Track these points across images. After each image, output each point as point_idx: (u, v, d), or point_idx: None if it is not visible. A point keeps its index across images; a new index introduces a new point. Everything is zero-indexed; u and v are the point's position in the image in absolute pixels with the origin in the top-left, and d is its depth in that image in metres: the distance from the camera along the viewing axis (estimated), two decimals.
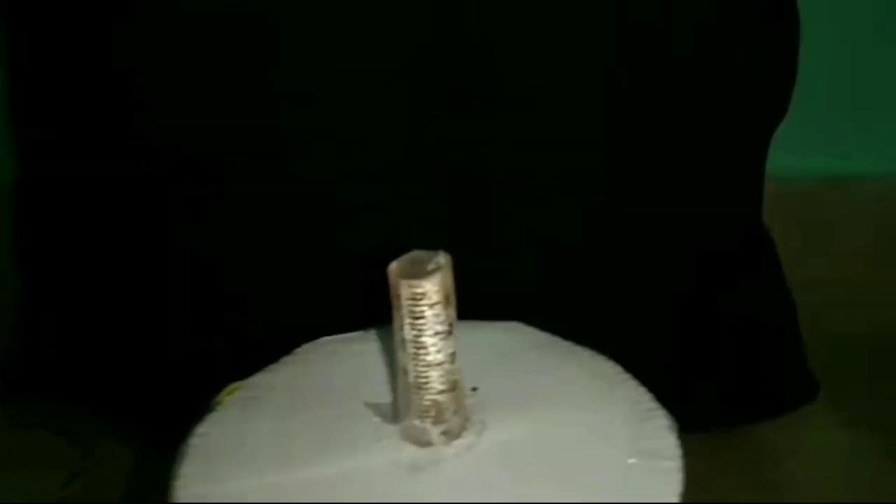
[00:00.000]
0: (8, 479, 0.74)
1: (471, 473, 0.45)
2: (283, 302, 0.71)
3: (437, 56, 0.66)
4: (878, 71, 0.86)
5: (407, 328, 0.44)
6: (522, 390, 0.50)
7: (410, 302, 0.43)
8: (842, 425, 0.77)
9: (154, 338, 0.74)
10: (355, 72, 0.66)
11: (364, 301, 0.51)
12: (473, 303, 0.48)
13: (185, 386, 0.58)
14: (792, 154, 0.84)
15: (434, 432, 0.45)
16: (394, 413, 0.48)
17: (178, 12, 0.66)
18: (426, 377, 0.45)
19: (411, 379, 0.45)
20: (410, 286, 0.43)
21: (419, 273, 0.43)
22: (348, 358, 0.54)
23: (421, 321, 0.44)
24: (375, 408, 0.48)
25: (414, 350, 0.44)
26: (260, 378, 0.52)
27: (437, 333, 0.44)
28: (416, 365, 0.45)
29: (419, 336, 0.44)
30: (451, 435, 0.46)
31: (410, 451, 0.46)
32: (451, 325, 0.44)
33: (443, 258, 0.44)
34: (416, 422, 0.46)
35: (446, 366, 0.45)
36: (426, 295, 0.43)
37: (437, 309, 0.43)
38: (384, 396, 0.49)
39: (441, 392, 0.45)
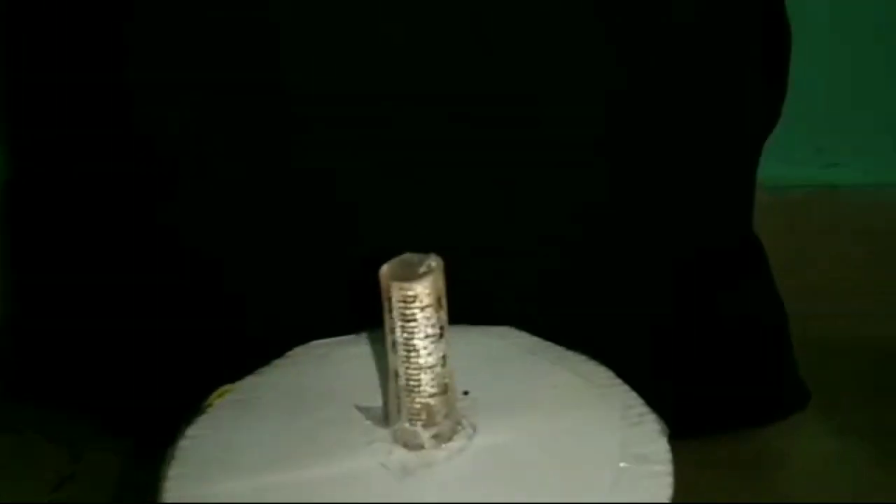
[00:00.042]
0: None
1: (461, 477, 0.45)
2: (276, 304, 0.71)
3: (435, 57, 0.66)
4: (870, 81, 0.87)
5: (398, 331, 0.44)
6: (513, 394, 0.50)
7: (401, 304, 0.43)
8: (832, 434, 0.77)
9: (144, 341, 0.74)
10: (354, 70, 0.66)
11: (356, 303, 0.51)
12: (466, 307, 0.48)
13: (175, 389, 0.58)
14: (783, 163, 0.85)
15: (425, 436, 0.45)
16: (385, 416, 0.48)
17: (177, 11, 0.66)
18: (417, 380, 0.45)
19: (402, 382, 0.45)
20: (401, 289, 0.43)
21: (410, 276, 0.43)
22: (340, 361, 0.54)
23: (412, 324, 0.44)
24: (366, 411, 0.48)
25: (405, 353, 0.44)
26: (250, 381, 0.52)
27: (428, 336, 0.44)
28: (408, 368, 0.45)
29: (410, 339, 0.44)
30: (441, 438, 0.46)
31: (401, 455, 0.46)
32: (442, 328, 0.44)
33: (434, 261, 0.44)
34: (407, 425, 0.46)
35: (437, 369, 0.45)
36: (417, 298, 0.43)
37: (429, 312, 0.44)
38: (375, 399, 0.49)
39: (432, 395, 0.45)
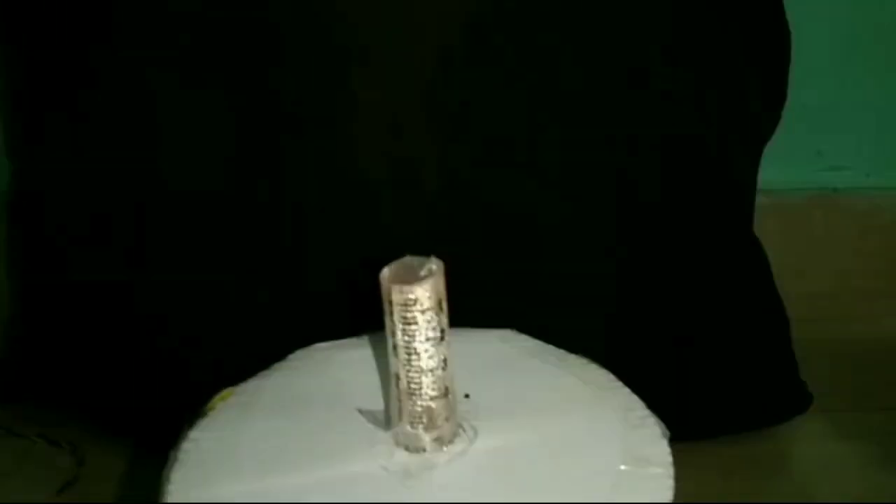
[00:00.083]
0: (1, 486, 0.74)
1: (463, 480, 0.45)
2: (277, 307, 0.71)
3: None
4: (870, 84, 0.87)
5: (399, 334, 0.44)
6: (514, 397, 0.50)
7: (402, 308, 0.43)
8: (833, 436, 0.77)
9: (147, 344, 0.74)
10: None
11: (357, 306, 0.51)
12: (466, 310, 0.48)
13: (178, 392, 0.58)
14: (783, 167, 0.85)
15: (426, 438, 0.46)
16: (386, 419, 0.48)
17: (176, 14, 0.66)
18: (418, 383, 0.45)
19: (403, 385, 0.45)
20: (402, 292, 0.43)
21: (411, 279, 0.43)
22: (341, 364, 0.54)
23: (413, 327, 0.44)
24: (368, 414, 0.49)
25: (406, 356, 0.44)
26: (252, 384, 0.52)
27: (428, 339, 0.44)
28: (409, 371, 0.45)
29: (411, 342, 0.44)
30: (443, 441, 0.46)
31: (403, 457, 0.46)
32: (443, 331, 0.44)
33: (435, 264, 0.44)
34: (409, 428, 0.46)
35: (438, 372, 0.45)
36: (418, 301, 0.43)
37: (429, 315, 0.44)
38: (377, 402, 0.49)
39: (433, 398, 0.45)
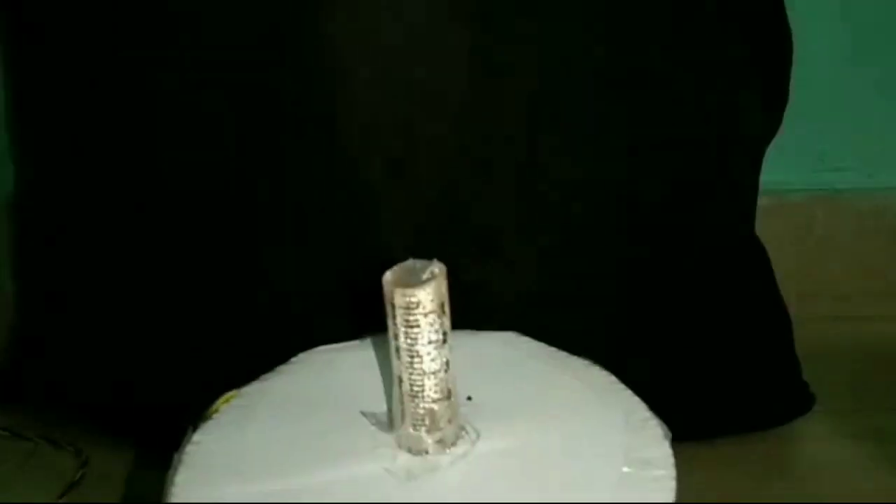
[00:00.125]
0: (5, 489, 0.74)
1: (465, 482, 0.45)
2: (279, 310, 0.71)
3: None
4: (871, 85, 0.87)
5: (401, 337, 0.44)
6: (517, 399, 0.50)
7: (405, 311, 0.44)
8: (836, 438, 0.77)
9: (149, 346, 0.74)
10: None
11: (359, 308, 0.51)
12: (469, 312, 0.48)
13: (180, 394, 0.58)
14: (785, 168, 0.85)
15: (429, 441, 0.46)
16: (389, 421, 0.48)
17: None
18: (421, 386, 0.45)
19: (406, 387, 0.45)
20: (405, 295, 0.43)
21: (413, 282, 0.44)
22: (344, 366, 0.54)
23: (415, 330, 0.44)
24: (371, 416, 0.49)
25: (408, 359, 0.45)
26: (255, 386, 0.52)
27: (431, 342, 0.44)
28: (411, 374, 0.45)
29: (413, 345, 0.44)
30: (445, 443, 0.46)
31: (405, 460, 0.46)
32: (445, 333, 0.45)
33: (437, 267, 0.44)
34: (411, 430, 0.46)
35: (441, 374, 0.45)
36: (420, 304, 0.43)
37: (432, 318, 0.44)
38: (380, 405, 0.50)
39: (436, 401, 0.45)
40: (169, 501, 0.45)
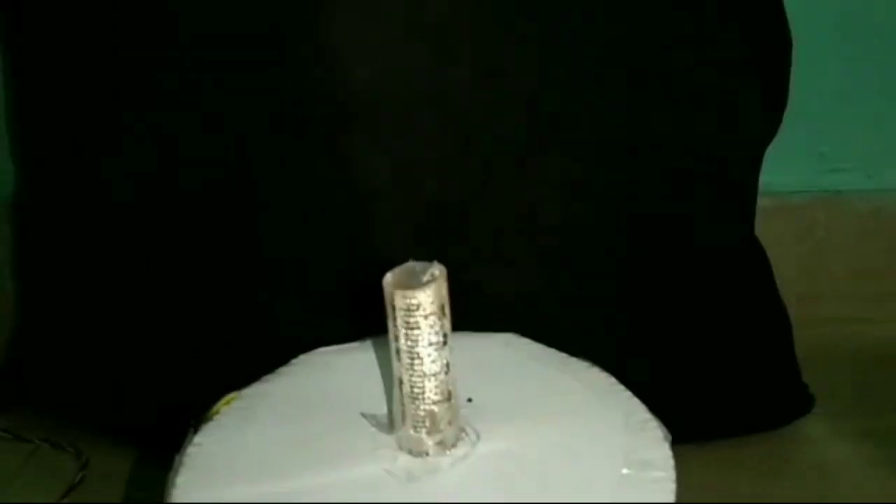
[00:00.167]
0: (6, 491, 0.74)
1: (466, 483, 0.45)
2: (279, 311, 0.71)
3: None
4: (872, 86, 0.87)
5: (402, 339, 0.44)
6: (517, 401, 0.50)
7: (405, 313, 0.44)
8: (836, 439, 0.77)
9: (150, 348, 0.74)
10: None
11: (359, 310, 0.52)
12: (469, 313, 0.49)
13: (182, 396, 0.58)
14: (785, 169, 0.85)
15: (429, 442, 0.46)
16: (390, 423, 0.48)
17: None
18: (421, 388, 0.45)
19: (406, 389, 0.45)
20: (405, 297, 0.43)
21: (414, 284, 0.44)
22: (344, 368, 0.54)
23: (416, 332, 0.44)
24: (371, 418, 0.49)
25: (409, 360, 0.45)
26: (256, 388, 0.53)
27: (431, 344, 0.44)
28: (411, 375, 0.45)
29: (414, 347, 0.44)
30: (446, 445, 0.46)
31: (406, 461, 0.46)
32: (445, 335, 0.45)
33: (437, 269, 0.44)
34: (412, 432, 0.46)
35: (441, 376, 0.45)
36: (421, 306, 0.43)
37: (432, 320, 0.44)
38: (380, 406, 0.50)
39: (436, 402, 0.45)
40: (170, 503, 0.45)
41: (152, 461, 0.73)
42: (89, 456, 0.76)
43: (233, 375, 0.53)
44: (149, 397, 0.74)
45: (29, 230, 0.83)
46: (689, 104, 0.70)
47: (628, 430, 0.48)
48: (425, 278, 0.44)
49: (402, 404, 0.46)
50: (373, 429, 0.48)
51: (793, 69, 0.73)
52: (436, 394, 0.45)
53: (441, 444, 0.46)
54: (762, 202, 0.77)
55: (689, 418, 0.59)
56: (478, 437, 0.47)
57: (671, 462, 0.46)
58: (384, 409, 0.49)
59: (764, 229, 0.77)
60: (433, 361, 0.45)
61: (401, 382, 0.45)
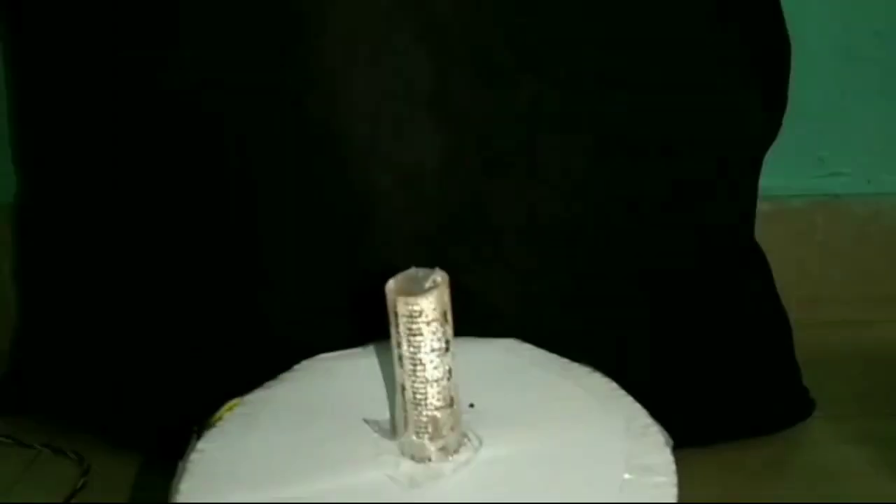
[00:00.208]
0: (7, 496, 0.74)
1: (468, 488, 0.45)
2: (281, 317, 0.71)
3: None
4: (870, 91, 0.87)
5: (404, 345, 0.45)
6: (519, 407, 0.50)
7: (407, 319, 0.44)
8: (836, 442, 0.77)
9: (153, 355, 0.74)
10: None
11: (361, 316, 0.52)
12: (469, 314, 0.49)
13: (184, 401, 0.58)
14: (784, 173, 0.85)
15: (432, 448, 0.46)
16: (392, 429, 0.48)
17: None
18: (423, 393, 0.45)
19: (409, 395, 0.45)
20: (407, 304, 0.44)
21: (416, 290, 0.44)
22: (347, 374, 0.54)
23: (418, 338, 0.44)
24: (374, 423, 0.49)
25: (411, 367, 0.45)
26: (259, 394, 0.53)
27: (433, 350, 0.44)
28: (414, 381, 0.45)
29: (416, 353, 0.44)
30: (448, 451, 0.46)
31: (409, 467, 0.46)
32: (447, 341, 0.45)
33: (439, 276, 0.44)
34: (414, 438, 0.46)
35: (443, 382, 0.45)
36: (423, 312, 0.44)
37: (434, 326, 0.44)
38: (382, 412, 0.50)
39: (438, 408, 0.45)
40: None
41: (155, 467, 0.73)
42: (91, 461, 0.76)
43: (235, 381, 0.53)
44: (150, 402, 0.74)
45: (29, 233, 0.83)
46: (689, 104, 0.70)
47: (630, 436, 0.48)
48: (427, 285, 0.44)
49: (405, 410, 0.46)
50: (375, 435, 0.48)
51: (793, 74, 0.73)
52: (438, 400, 0.45)
53: (443, 450, 0.46)
54: (762, 206, 0.77)
55: (690, 422, 0.59)
56: (480, 442, 0.47)
57: (672, 467, 0.46)
58: (386, 415, 0.49)
59: (764, 233, 0.77)
60: (435, 367, 0.45)
61: (403, 388, 0.45)
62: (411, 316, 0.44)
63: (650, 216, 0.71)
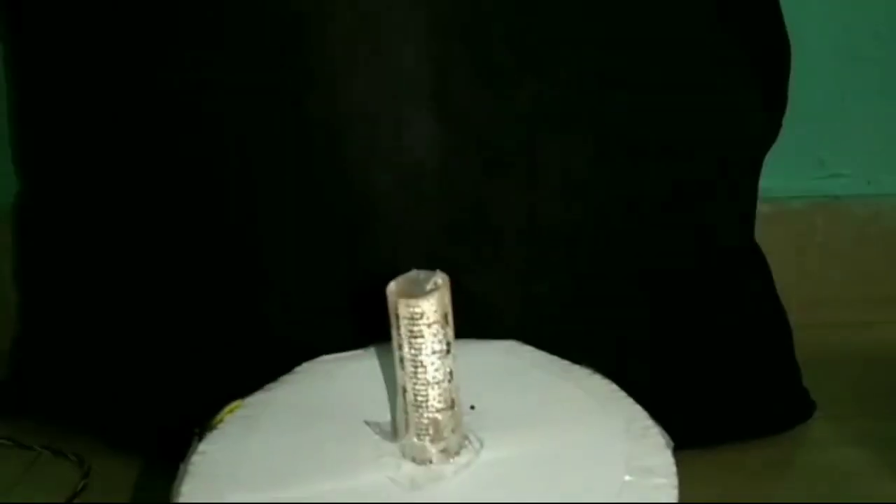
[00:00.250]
0: (8, 498, 0.74)
1: (469, 491, 0.45)
2: (282, 318, 0.71)
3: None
4: (871, 92, 0.87)
5: (405, 347, 0.45)
6: (519, 408, 0.50)
7: (409, 321, 0.44)
8: (837, 444, 0.77)
9: (153, 357, 0.74)
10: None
11: (362, 318, 0.52)
12: (469, 314, 0.49)
13: (184, 403, 0.58)
14: (784, 175, 0.85)
15: (433, 450, 0.46)
16: (393, 431, 0.48)
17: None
18: (424, 396, 0.45)
19: (410, 397, 0.45)
20: (409, 305, 0.44)
21: (417, 292, 0.44)
22: (347, 376, 0.54)
23: (419, 340, 0.44)
24: (375, 426, 0.49)
25: (412, 369, 0.45)
26: (260, 396, 0.53)
27: (434, 352, 0.44)
28: (415, 383, 0.45)
29: (417, 355, 0.44)
30: (449, 453, 0.46)
31: (409, 469, 0.46)
32: (448, 343, 0.45)
33: (440, 278, 0.44)
34: (415, 440, 0.46)
35: (444, 384, 0.45)
36: (424, 314, 0.44)
37: (436, 328, 0.44)
38: (383, 414, 0.50)
39: (439, 410, 0.46)
40: None
41: (156, 469, 0.73)
42: (91, 464, 0.76)
43: (236, 383, 0.53)
44: (151, 404, 0.74)
45: (30, 234, 0.83)
46: (689, 104, 0.70)
47: (630, 437, 0.48)
48: (428, 287, 0.44)
49: (406, 412, 0.46)
50: (376, 437, 0.48)
51: (792, 75, 0.73)
52: (439, 402, 0.45)
53: (444, 452, 0.46)
54: (762, 208, 0.77)
55: (690, 423, 0.59)
56: (481, 444, 0.47)
57: (673, 469, 0.46)
58: (387, 417, 0.50)
59: (764, 235, 0.77)
60: (436, 370, 0.45)
61: (404, 391, 0.46)
62: (412, 318, 0.44)
63: (650, 216, 0.71)
